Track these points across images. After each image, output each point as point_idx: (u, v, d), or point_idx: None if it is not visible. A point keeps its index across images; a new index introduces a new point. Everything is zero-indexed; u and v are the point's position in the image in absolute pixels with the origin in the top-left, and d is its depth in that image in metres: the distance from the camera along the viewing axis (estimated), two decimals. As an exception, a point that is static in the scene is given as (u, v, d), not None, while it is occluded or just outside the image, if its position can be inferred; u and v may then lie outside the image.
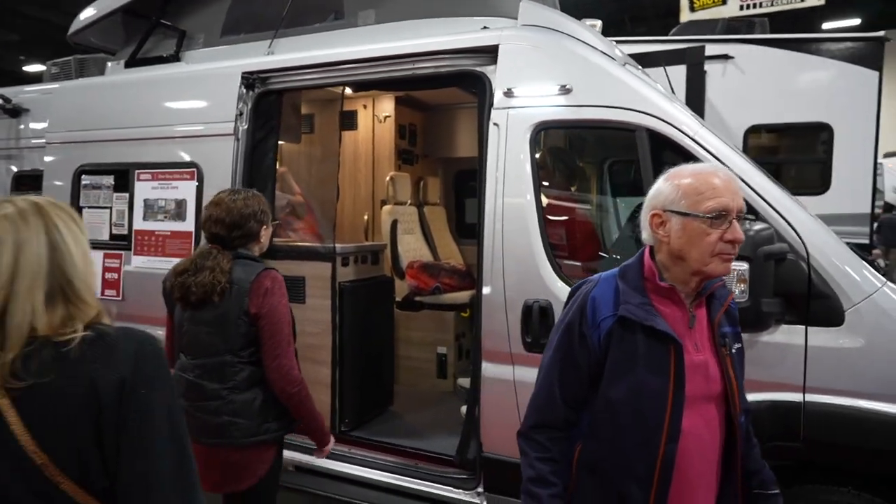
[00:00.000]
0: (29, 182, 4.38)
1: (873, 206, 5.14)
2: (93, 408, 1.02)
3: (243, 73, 3.40)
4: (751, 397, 2.34)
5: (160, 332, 3.56)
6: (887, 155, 14.50)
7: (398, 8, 3.30)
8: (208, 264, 2.23)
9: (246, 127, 3.40)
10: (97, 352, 1.06)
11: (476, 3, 3.13)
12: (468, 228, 5.23)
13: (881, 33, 5.00)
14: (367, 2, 3.40)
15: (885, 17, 16.69)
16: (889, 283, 2.34)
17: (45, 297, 1.08)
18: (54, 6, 14.59)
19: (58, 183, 3.92)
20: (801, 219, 2.40)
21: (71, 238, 1.14)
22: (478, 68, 2.92)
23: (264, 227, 2.42)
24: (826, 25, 16.75)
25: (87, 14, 4.03)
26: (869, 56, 4.85)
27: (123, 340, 1.10)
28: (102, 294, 3.71)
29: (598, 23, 3.47)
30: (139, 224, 3.62)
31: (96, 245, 3.77)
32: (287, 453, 3.39)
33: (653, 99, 2.61)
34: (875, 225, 5.99)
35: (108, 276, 3.71)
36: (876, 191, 5.59)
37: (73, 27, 4.08)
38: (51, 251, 1.10)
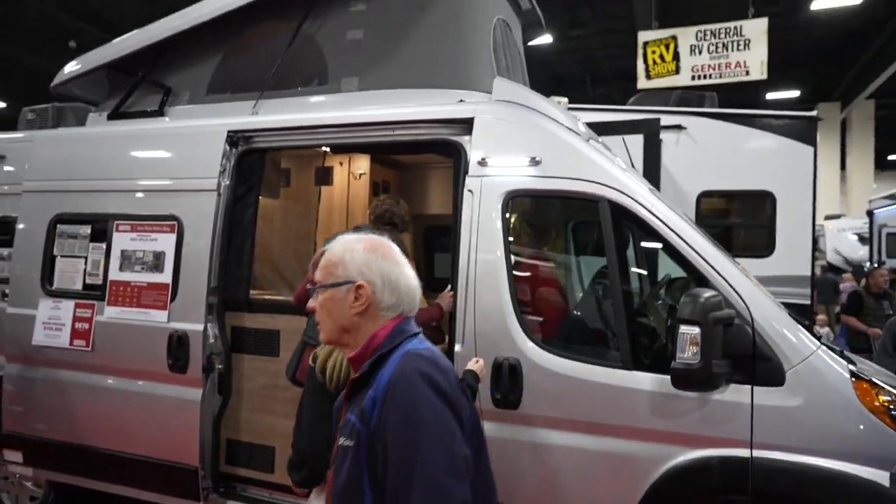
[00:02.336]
0: (-1, 228, 4.35)
1: (813, 269, 5.54)
2: None
3: (229, 131, 3.54)
4: (704, 453, 2.54)
5: (128, 382, 3.57)
6: (828, 217, 15.47)
7: (380, 77, 3.52)
8: None
9: (228, 183, 3.52)
10: None
11: (453, 77, 3.38)
12: (437, 283, 5.37)
13: (814, 112, 5.51)
14: (351, 69, 3.61)
15: (821, 89, 18.06)
16: (822, 346, 2.59)
17: None
18: (21, 45, 14.53)
19: (31, 230, 3.93)
20: (745, 286, 2.64)
21: None
22: (454, 137, 3.13)
23: None
24: (770, 96, 17.99)
25: (73, 67, 4.13)
26: (805, 132, 5.34)
27: None
28: (71, 344, 3.69)
29: (564, 100, 3.77)
30: (115, 275, 3.65)
31: (69, 294, 3.78)
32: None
33: (613, 173, 2.86)
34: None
35: (78, 325, 3.70)
36: (815, 254, 6.01)
37: (58, 79, 4.17)
38: None
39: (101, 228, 3.75)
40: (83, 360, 3.70)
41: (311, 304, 1.56)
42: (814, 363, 2.49)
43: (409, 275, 1.58)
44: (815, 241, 5.65)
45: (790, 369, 2.49)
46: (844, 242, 14.88)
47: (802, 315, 4.61)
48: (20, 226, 3.99)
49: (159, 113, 3.98)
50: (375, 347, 1.51)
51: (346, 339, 1.56)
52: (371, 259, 1.53)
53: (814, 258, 5.56)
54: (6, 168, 4.42)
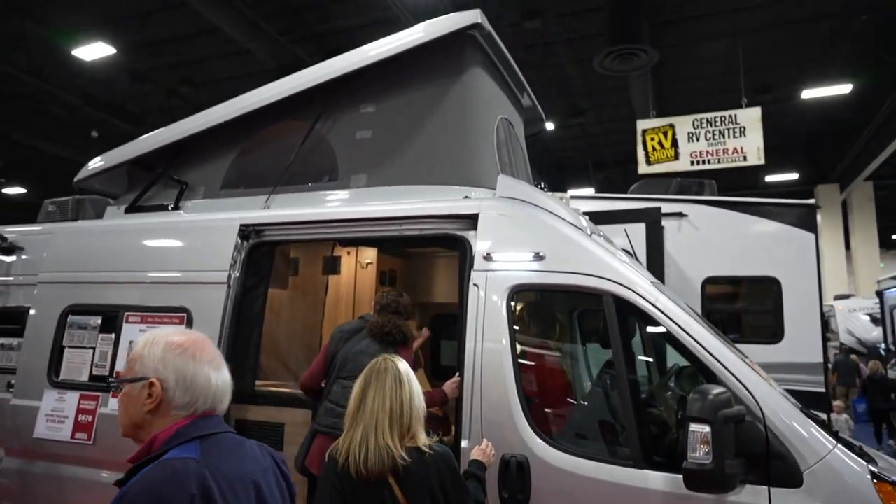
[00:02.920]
0: (10, 318, 4.40)
1: (825, 355, 5.45)
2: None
3: (241, 224, 3.65)
4: (722, 561, 2.42)
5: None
6: (837, 297, 15.38)
7: (388, 174, 3.67)
8: None
9: (238, 275, 3.59)
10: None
11: (459, 174, 3.51)
12: (443, 370, 5.34)
13: (812, 201, 5.62)
14: (360, 166, 3.76)
15: (818, 172, 18.45)
16: (839, 444, 2.52)
17: None
18: (44, 136, 15.21)
19: (43, 320, 3.97)
20: (754, 381, 2.61)
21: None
22: (459, 232, 3.22)
23: None
24: (769, 178, 18.37)
25: (97, 164, 4.32)
26: (805, 219, 5.42)
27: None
28: (72, 437, 3.64)
29: (567, 195, 3.89)
30: (122, 366, 3.65)
31: (74, 386, 3.76)
32: None
33: (616, 267, 2.91)
34: (830, 366, 6.29)
35: (81, 418, 3.66)
36: (828, 335, 5.94)
37: (81, 175, 4.36)
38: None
39: (111, 319, 3.79)
40: (83, 454, 3.63)
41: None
42: (831, 463, 2.42)
43: (210, 373, 1.55)
44: (825, 323, 5.60)
45: (807, 469, 2.41)
46: (857, 323, 14.70)
47: (817, 404, 4.50)
48: (32, 315, 4.04)
49: (175, 207, 4.12)
50: (149, 451, 1.47)
51: (141, 436, 1.52)
52: (168, 356, 1.52)
53: (825, 342, 5.49)
54: (23, 257, 4.53)
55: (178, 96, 13.53)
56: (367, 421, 2.15)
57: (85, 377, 3.76)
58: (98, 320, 3.83)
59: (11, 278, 4.50)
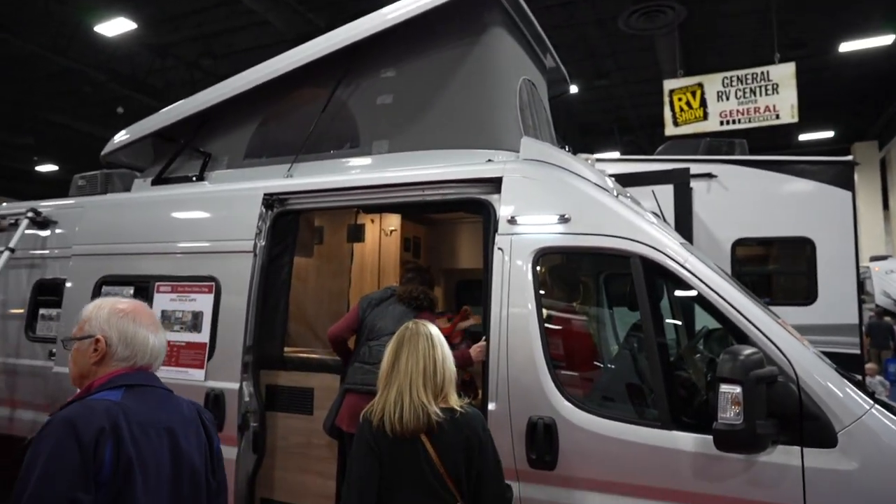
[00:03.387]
0: (49, 289, 4.54)
1: (861, 316, 5.32)
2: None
3: (265, 194, 3.67)
4: (753, 520, 2.42)
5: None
6: (873, 258, 14.96)
7: (410, 139, 3.63)
8: None
9: (264, 244, 3.63)
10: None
11: (481, 137, 3.46)
12: (470, 337, 5.35)
13: (850, 157, 5.42)
14: (382, 132, 3.73)
15: (856, 130, 17.78)
16: (876, 404, 2.47)
17: None
18: (72, 113, 15.46)
19: (79, 292, 4.08)
20: (787, 341, 2.55)
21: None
22: (483, 196, 3.19)
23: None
24: (802, 137, 17.77)
25: (122, 137, 4.38)
26: (842, 177, 5.24)
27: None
28: (112, 403, 3.77)
29: (592, 157, 3.81)
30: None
31: (111, 354, 3.87)
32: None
33: (644, 228, 2.85)
34: (864, 329, 6.15)
35: (119, 385, 3.78)
36: (863, 297, 5.79)
37: (108, 148, 4.42)
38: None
39: (143, 289, 3.87)
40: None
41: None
42: (868, 423, 2.37)
43: (149, 335, 1.82)
44: (861, 285, 5.46)
45: (842, 430, 2.37)
46: (894, 284, 14.32)
47: (852, 366, 4.41)
48: (68, 287, 4.16)
49: (200, 178, 4.16)
50: (86, 393, 1.73)
51: (86, 384, 1.76)
52: (113, 318, 1.80)
53: (861, 304, 5.35)
54: (57, 232, 4.64)
55: (200, 69, 13.55)
56: (401, 380, 2.20)
57: (120, 346, 3.87)
58: (130, 290, 3.91)
59: (48, 251, 4.62)
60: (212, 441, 1.90)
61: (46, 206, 4.74)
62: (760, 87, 10.18)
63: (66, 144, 17.38)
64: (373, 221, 5.24)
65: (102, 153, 4.46)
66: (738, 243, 5.39)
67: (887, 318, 12.65)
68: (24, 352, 4.58)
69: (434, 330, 2.35)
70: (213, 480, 1.87)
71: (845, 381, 2.52)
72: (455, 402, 2.25)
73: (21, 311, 4.66)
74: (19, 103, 14.90)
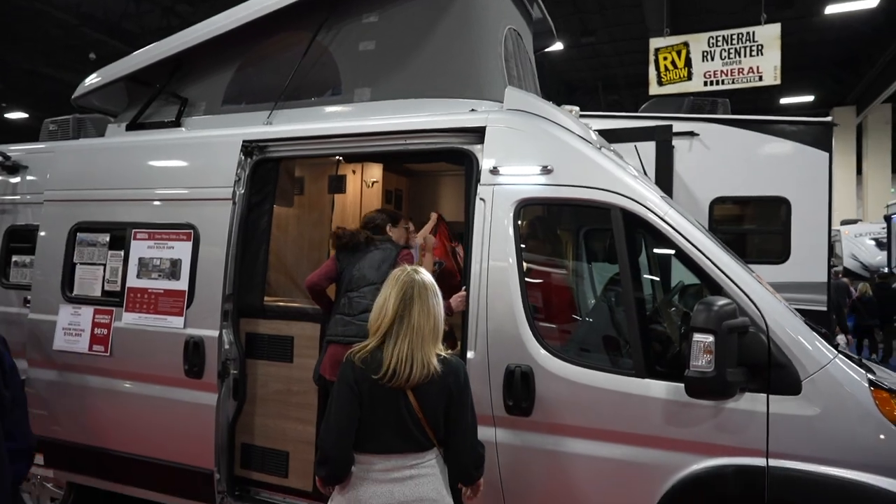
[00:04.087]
0: (21, 236, 4.45)
1: (829, 275, 5.46)
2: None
3: (244, 141, 3.59)
4: (719, 461, 2.53)
5: (145, 387, 3.63)
6: (844, 223, 15.29)
7: (392, 87, 3.56)
8: None
9: (243, 192, 3.57)
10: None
11: (465, 87, 3.41)
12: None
13: (829, 118, 5.46)
14: (364, 80, 3.65)
15: (834, 94, 17.91)
16: (840, 354, 2.56)
17: None
18: (42, 58, 14.83)
19: (52, 238, 4.01)
20: (760, 294, 2.62)
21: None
22: (466, 146, 3.16)
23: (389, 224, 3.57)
24: (783, 100, 17.86)
25: (94, 80, 4.22)
26: (820, 138, 5.28)
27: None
28: (90, 349, 3.76)
29: (576, 108, 3.78)
30: (132, 282, 3.71)
31: (88, 301, 3.84)
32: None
33: (625, 181, 2.87)
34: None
35: (97, 331, 3.76)
36: (832, 260, 5.93)
37: (79, 91, 4.26)
38: None
39: (119, 237, 3.82)
40: (102, 365, 3.76)
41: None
42: (831, 372, 2.47)
43: None
44: (831, 247, 5.57)
45: (806, 378, 2.47)
46: (861, 248, 14.69)
47: (819, 321, 4.56)
48: (41, 234, 4.07)
49: (176, 124, 4.05)
50: None
51: None
52: None
53: (830, 264, 5.49)
54: (28, 178, 4.52)
55: (177, 15, 13.04)
56: (412, 336, 2.17)
57: (98, 293, 3.84)
58: (107, 237, 3.85)
59: (18, 197, 4.50)
60: (3, 357, 2.10)
61: (16, 150, 4.60)
62: (745, 47, 10.13)
63: (37, 91, 16.73)
64: (354, 172, 5.19)
65: (74, 96, 4.30)
66: (717, 201, 5.45)
67: (844, 279, 13.13)
68: (-2, 299, 4.51)
69: (433, 281, 2.33)
70: (7, 392, 2.05)
71: (812, 332, 2.61)
72: (441, 349, 2.27)
73: (-7, 258, 4.57)
74: (-16, 46, 14.24)
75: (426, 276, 2.32)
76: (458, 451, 2.25)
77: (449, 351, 2.31)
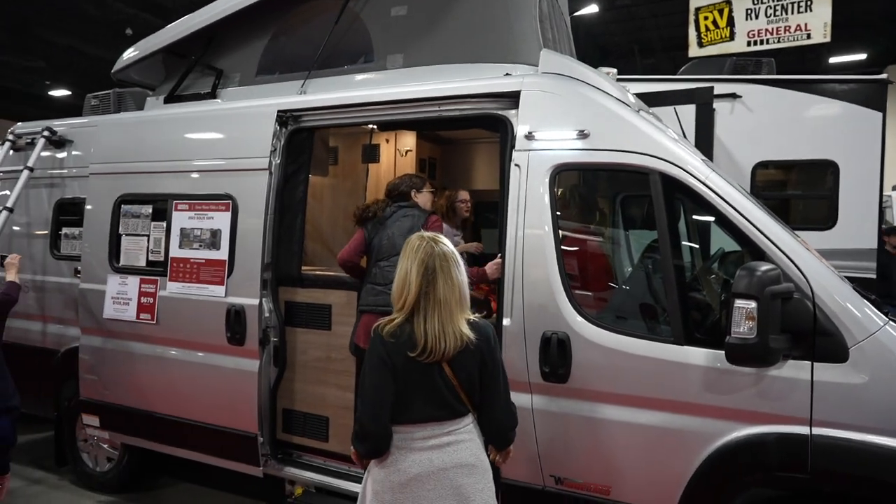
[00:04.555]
0: (70, 209, 4.60)
1: (880, 242, 5.26)
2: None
3: (278, 111, 3.61)
4: (760, 429, 2.49)
5: (190, 354, 3.76)
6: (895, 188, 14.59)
7: (425, 53, 3.52)
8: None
9: (279, 162, 3.61)
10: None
11: (499, 51, 3.34)
12: (485, 258, 5.38)
13: (884, 76, 5.17)
14: (396, 46, 3.61)
15: (890, 53, 16.92)
16: (891, 321, 2.48)
17: None
18: (80, 35, 15.09)
19: (98, 210, 4.14)
20: (805, 259, 2.54)
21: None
22: (500, 112, 3.11)
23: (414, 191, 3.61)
24: (833, 60, 16.99)
25: (131, 54, 4.28)
26: (873, 97, 5.02)
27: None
28: (138, 317, 3.90)
29: (613, 70, 3.67)
30: (175, 252, 3.81)
31: (134, 271, 3.97)
32: (309, 474, 3.53)
33: (665, 144, 2.79)
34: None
35: (143, 300, 3.89)
36: (882, 226, 5.69)
37: (118, 66, 4.34)
38: None
39: (161, 208, 3.91)
40: (149, 333, 3.90)
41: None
42: (881, 339, 2.39)
43: None
44: (881, 213, 5.35)
45: (854, 345, 2.39)
46: (914, 215, 14.04)
47: (868, 289, 4.40)
48: (88, 207, 4.21)
49: (212, 95, 4.10)
50: None
51: None
52: None
53: (881, 233, 5.27)
54: (74, 152, 4.65)
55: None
56: (441, 310, 2.14)
57: (143, 263, 3.96)
58: (149, 209, 3.96)
59: (65, 171, 4.65)
60: None
61: (61, 125, 4.73)
62: (793, 3, 9.62)
63: (77, 68, 17.06)
64: (387, 141, 5.17)
65: (113, 70, 4.39)
66: (760, 166, 5.26)
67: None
68: (51, 270, 4.70)
69: (454, 250, 2.29)
70: None
71: (862, 298, 2.52)
72: (470, 314, 2.25)
73: (44, 231, 4.75)
74: (26, 25, 14.56)
75: (445, 244, 2.25)
76: (493, 412, 2.25)
77: (476, 315, 2.28)
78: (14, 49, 15.57)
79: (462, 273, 2.24)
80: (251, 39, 4.05)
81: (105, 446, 4.42)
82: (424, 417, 2.16)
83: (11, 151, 4.74)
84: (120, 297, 3.96)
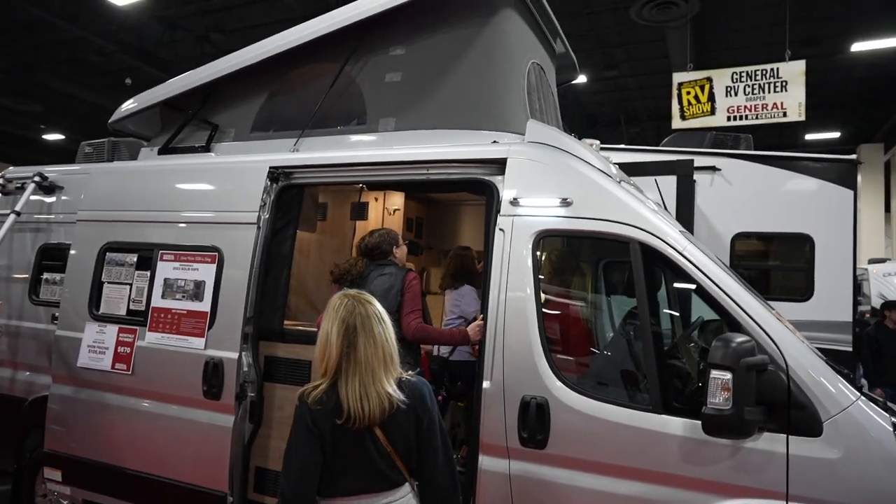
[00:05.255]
0: (53, 254, 4.58)
1: (855, 315, 5.36)
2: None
3: (270, 167, 3.69)
4: (736, 503, 2.48)
5: (164, 407, 3.68)
6: (872, 261, 14.96)
7: (416, 117, 3.65)
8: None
9: (267, 216, 3.66)
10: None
11: (487, 119, 3.48)
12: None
13: (854, 156, 5.42)
14: (389, 110, 3.74)
15: (862, 132, 17.71)
16: (863, 396, 2.51)
17: None
18: (80, 81, 15.39)
19: (82, 257, 4.12)
20: (779, 331, 2.59)
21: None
22: (487, 177, 3.21)
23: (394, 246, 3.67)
24: (809, 136, 17.70)
25: (130, 105, 4.39)
26: (844, 176, 5.25)
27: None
28: (113, 367, 3.83)
29: (596, 142, 3.82)
30: (157, 301, 3.79)
31: (113, 319, 3.93)
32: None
33: (645, 215, 2.88)
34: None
35: (120, 349, 3.84)
36: (859, 299, 5.82)
37: (115, 116, 4.43)
38: None
39: (146, 257, 3.91)
40: (123, 384, 3.82)
41: None
42: (853, 414, 2.42)
43: None
44: (858, 286, 5.47)
45: (828, 419, 2.42)
46: (890, 287, 14.32)
47: (843, 363, 4.46)
48: (73, 252, 4.19)
49: (206, 149, 4.18)
50: None
51: None
52: None
53: (856, 303, 5.39)
54: (63, 198, 4.68)
55: (210, 43, 13.46)
56: (362, 372, 2.03)
57: (123, 311, 3.92)
58: (134, 258, 3.95)
59: (53, 216, 4.66)
60: None
61: (53, 171, 4.77)
62: (769, 83, 10.13)
63: (73, 113, 17.32)
64: (376, 200, 5.27)
65: (110, 121, 4.47)
66: (738, 237, 5.41)
67: (867, 316, 12.80)
68: (28, 315, 4.63)
69: (379, 306, 2.18)
70: None
71: (834, 372, 2.56)
72: (400, 372, 2.13)
73: (25, 275, 4.71)
74: (27, 70, 14.84)
75: (368, 302, 2.16)
76: (433, 477, 2.12)
77: (410, 372, 2.20)
78: (12, 92, 15.79)
79: (387, 329, 2.14)
80: (248, 97, 4.18)
81: (65, 503, 4.24)
82: (356, 489, 2.04)
83: (1, 195, 4.77)
84: (96, 345, 3.90)
